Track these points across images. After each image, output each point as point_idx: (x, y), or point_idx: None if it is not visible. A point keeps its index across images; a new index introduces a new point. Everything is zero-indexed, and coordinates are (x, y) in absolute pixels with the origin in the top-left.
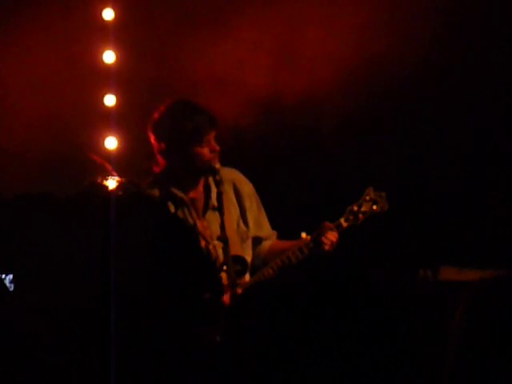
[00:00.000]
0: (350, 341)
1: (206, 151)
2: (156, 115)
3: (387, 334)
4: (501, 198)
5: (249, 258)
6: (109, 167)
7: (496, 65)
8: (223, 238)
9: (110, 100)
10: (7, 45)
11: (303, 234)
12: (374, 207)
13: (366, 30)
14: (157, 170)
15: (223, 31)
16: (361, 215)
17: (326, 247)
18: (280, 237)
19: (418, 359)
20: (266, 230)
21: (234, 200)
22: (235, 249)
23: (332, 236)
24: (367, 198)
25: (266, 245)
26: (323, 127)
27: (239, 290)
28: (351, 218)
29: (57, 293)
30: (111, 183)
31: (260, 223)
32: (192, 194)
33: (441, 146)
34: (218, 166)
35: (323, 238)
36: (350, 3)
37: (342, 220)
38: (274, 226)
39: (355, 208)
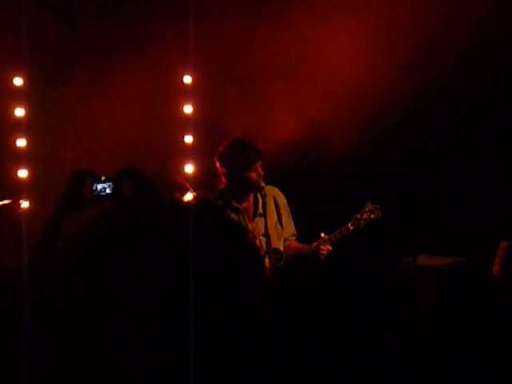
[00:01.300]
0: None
1: (253, 175)
2: (220, 148)
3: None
4: (466, 201)
5: (282, 249)
6: (187, 185)
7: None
8: (266, 235)
9: (188, 139)
10: (111, 89)
11: (322, 234)
12: (372, 216)
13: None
14: (220, 187)
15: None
16: (362, 222)
17: (322, 256)
18: (304, 235)
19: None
20: (291, 231)
21: (274, 209)
22: (274, 243)
23: (326, 247)
24: (367, 209)
25: (286, 242)
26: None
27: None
28: (356, 223)
29: (147, 293)
30: (188, 197)
31: (288, 226)
32: (245, 204)
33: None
34: (262, 184)
35: (320, 249)
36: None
37: (349, 224)
38: (298, 228)
39: (358, 216)
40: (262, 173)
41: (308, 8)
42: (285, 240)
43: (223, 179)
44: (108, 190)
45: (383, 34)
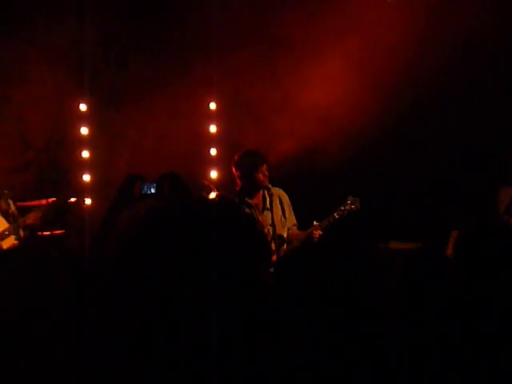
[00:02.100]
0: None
1: (260, 176)
2: (236, 157)
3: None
4: (428, 200)
5: (285, 236)
6: (212, 187)
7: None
8: (273, 225)
9: (213, 151)
10: (154, 113)
11: (314, 222)
12: (353, 207)
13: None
14: (236, 188)
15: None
16: (345, 212)
17: (315, 239)
18: (302, 223)
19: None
20: (292, 222)
21: (279, 205)
22: (279, 231)
23: (318, 232)
24: (349, 201)
25: (289, 230)
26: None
27: (281, 254)
28: (340, 213)
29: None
30: (212, 195)
31: (290, 218)
32: (255, 201)
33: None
34: (269, 185)
35: (313, 234)
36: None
37: (335, 214)
38: (298, 218)
39: (342, 208)
40: (267, 174)
41: (302, 54)
42: (288, 229)
43: (238, 182)
44: (152, 191)
45: (366, 64)
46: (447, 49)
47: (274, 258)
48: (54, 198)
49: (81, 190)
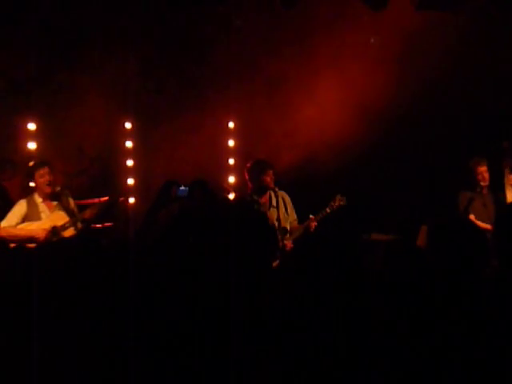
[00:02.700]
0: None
1: (267, 179)
2: (248, 165)
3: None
4: (403, 200)
5: (288, 228)
6: (230, 189)
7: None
8: (278, 220)
9: (231, 161)
10: (185, 130)
11: (310, 216)
12: (341, 203)
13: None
14: (248, 190)
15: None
16: (335, 207)
17: (311, 229)
18: (300, 219)
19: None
20: (293, 217)
21: (282, 204)
22: (283, 224)
23: (313, 224)
24: (337, 198)
25: (291, 224)
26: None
27: (286, 243)
28: (330, 208)
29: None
30: (231, 196)
31: (291, 214)
32: (263, 200)
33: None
34: (275, 187)
35: (310, 225)
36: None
37: (327, 209)
38: (297, 214)
39: (332, 203)
40: (273, 178)
41: (301, 85)
42: (290, 223)
43: (249, 184)
44: (185, 194)
45: (353, 92)
46: (420, 80)
47: (280, 244)
48: (105, 197)
49: (126, 191)
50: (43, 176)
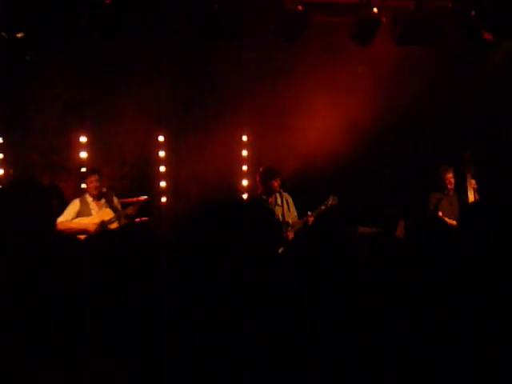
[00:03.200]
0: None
1: (275, 183)
2: (261, 170)
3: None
4: (386, 197)
5: (290, 223)
6: (244, 191)
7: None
8: (282, 215)
9: (244, 168)
10: (205, 143)
11: (309, 212)
12: (334, 202)
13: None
14: (258, 191)
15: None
16: (329, 205)
17: (309, 223)
18: (299, 215)
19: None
20: (294, 214)
21: (286, 204)
22: (286, 219)
23: (311, 219)
24: (330, 198)
25: (292, 219)
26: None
27: (289, 234)
28: (324, 206)
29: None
30: (245, 197)
31: (293, 212)
32: (270, 200)
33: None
34: (280, 190)
35: (308, 220)
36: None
37: (322, 206)
38: (297, 211)
39: (326, 202)
40: (279, 182)
41: (303, 104)
42: (292, 218)
43: (259, 187)
44: None
45: (346, 112)
46: (400, 103)
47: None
48: (143, 197)
49: (159, 192)
50: (93, 182)
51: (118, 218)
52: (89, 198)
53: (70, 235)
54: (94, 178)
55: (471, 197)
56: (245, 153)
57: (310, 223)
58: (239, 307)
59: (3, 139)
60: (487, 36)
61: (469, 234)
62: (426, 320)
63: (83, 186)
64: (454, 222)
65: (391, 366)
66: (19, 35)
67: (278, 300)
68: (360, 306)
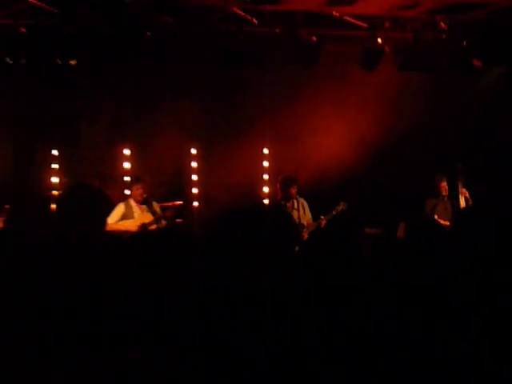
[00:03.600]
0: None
1: (293, 191)
2: (280, 178)
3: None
4: (389, 203)
5: (305, 224)
6: (265, 196)
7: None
8: (298, 218)
9: (265, 176)
10: (231, 156)
11: (321, 216)
12: (344, 207)
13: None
14: (277, 197)
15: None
16: (339, 210)
17: (322, 226)
18: (313, 218)
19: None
20: (309, 216)
21: (302, 208)
22: (302, 221)
23: (323, 222)
24: (341, 204)
25: (307, 222)
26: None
27: (304, 234)
28: (335, 211)
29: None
30: (266, 202)
31: (308, 215)
32: (289, 205)
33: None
34: (297, 196)
35: (321, 223)
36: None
37: (333, 211)
38: (312, 215)
39: (337, 207)
40: (296, 190)
41: (319, 122)
42: (306, 221)
43: (279, 193)
44: None
45: (353, 130)
46: (402, 122)
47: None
48: (179, 202)
49: (192, 198)
50: (138, 189)
51: (157, 220)
52: (132, 203)
53: (117, 236)
54: (138, 185)
55: (462, 202)
56: (266, 164)
57: (322, 226)
58: (260, 309)
59: (59, 152)
60: (477, 63)
61: (461, 235)
62: (424, 318)
63: (127, 192)
64: (448, 223)
65: (392, 365)
66: (72, 62)
67: (295, 302)
68: (364, 307)
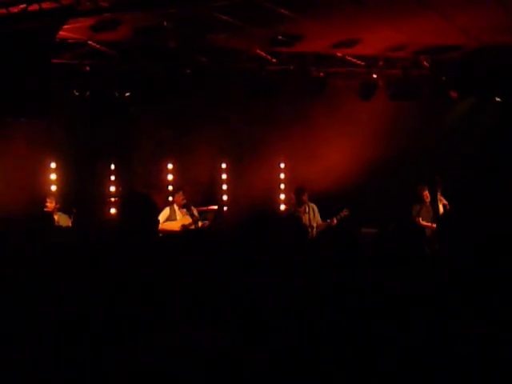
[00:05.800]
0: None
1: (305, 198)
2: (294, 189)
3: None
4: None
5: (315, 226)
6: (282, 202)
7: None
8: (309, 221)
9: (282, 186)
10: (246, 169)
11: (328, 220)
12: (346, 213)
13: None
14: (292, 202)
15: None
16: (343, 216)
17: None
18: (323, 219)
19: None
20: (318, 218)
21: (312, 212)
22: (312, 223)
23: (333, 223)
24: (344, 210)
25: (317, 223)
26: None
27: (313, 233)
28: (339, 216)
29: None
30: (282, 207)
31: (317, 217)
32: (301, 210)
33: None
34: (308, 202)
35: (332, 223)
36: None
37: (339, 216)
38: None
39: (340, 213)
40: (307, 197)
41: (327, 138)
42: (316, 223)
43: (293, 200)
44: None
45: (352, 145)
46: (394, 142)
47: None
48: (214, 206)
49: (223, 203)
50: (180, 197)
51: (195, 222)
52: (175, 207)
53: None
54: (179, 193)
55: (441, 207)
56: (282, 175)
57: (333, 225)
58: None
59: (115, 166)
60: (453, 94)
61: (443, 234)
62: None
63: (170, 199)
64: (430, 224)
65: (392, 365)
66: (127, 94)
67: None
68: (364, 304)
